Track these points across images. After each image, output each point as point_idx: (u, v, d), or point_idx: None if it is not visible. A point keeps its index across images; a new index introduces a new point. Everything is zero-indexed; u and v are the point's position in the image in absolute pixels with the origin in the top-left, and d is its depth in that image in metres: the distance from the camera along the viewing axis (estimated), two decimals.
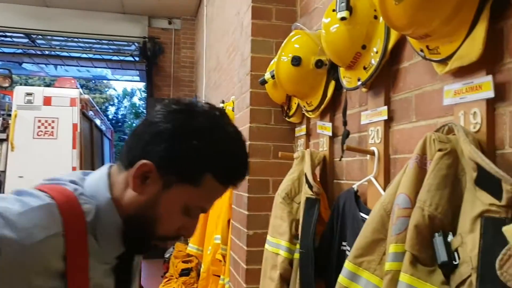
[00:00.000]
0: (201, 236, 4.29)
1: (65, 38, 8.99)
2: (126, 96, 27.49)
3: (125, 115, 27.22)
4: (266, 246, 2.11)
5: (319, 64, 1.98)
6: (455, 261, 0.99)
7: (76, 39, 9.04)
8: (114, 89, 27.78)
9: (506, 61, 1.09)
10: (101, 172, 1.00)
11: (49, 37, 9.04)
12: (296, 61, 2.01)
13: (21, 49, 8.98)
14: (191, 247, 4.32)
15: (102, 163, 7.59)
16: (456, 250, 1.00)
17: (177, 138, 0.92)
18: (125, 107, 27.95)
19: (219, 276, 3.57)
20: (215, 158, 0.94)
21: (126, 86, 28.09)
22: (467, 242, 0.98)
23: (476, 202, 1.00)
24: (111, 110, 27.49)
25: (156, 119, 0.95)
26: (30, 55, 9.09)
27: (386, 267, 1.12)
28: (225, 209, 3.49)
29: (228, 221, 3.39)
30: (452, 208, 1.06)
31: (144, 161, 0.92)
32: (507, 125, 1.09)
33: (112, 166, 1.02)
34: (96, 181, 0.98)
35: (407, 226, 1.08)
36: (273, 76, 2.28)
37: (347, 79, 1.72)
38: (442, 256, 1.00)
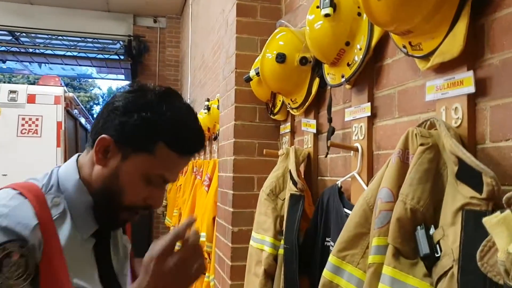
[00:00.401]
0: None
1: (50, 36, 8.90)
2: (111, 95, 27.35)
3: None
4: (251, 242, 2.12)
5: (303, 61, 1.98)
6: (437, 254, 1.00)
7: (60, 37, 8.95)
8: (99, 88, 27.58)
9: (487, 57, 1.10)
10: (70, 160, 1.12)
11: (33, 34, 8.94)
12: (281, 58, 2.02)
13: (5, 46, 8.86)
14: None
15: None
16: (438, 242, 1.01)
17: (129, 112, 1.03)
18: None
19: (204, 274, 3.57)
20: (164, 127, 1.03)
21: (112, 85, 27.89)
22: (449, 234, 0.99)
23: (457, 195, 1.01)
24: (96, 109, 27.27)
25: (113, 99, 1.08)
26: (14, 53, 8.97)
27: (369, 260, 1.12)
28: (210, 206, 3.49)
29: (213, 219, 3.39)
30: (433, 201, 1.07)
31: (102, 135, 1.03)
32: (488, 120, 1.10)
33: (80, 154, 1.13)
34: (66, 168, 1.09)
35: (390, 220, 1.09)
36: (258, 73, 2.28)
37: (331, 75, 1.73)
38: (424, 248, 1.01)
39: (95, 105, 27.15)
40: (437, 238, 1.02)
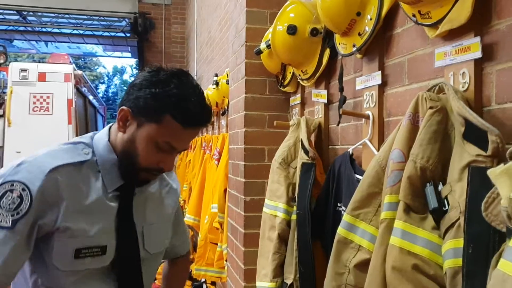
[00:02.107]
0: (198, 207, 4.39)
1: (56, 15, 8.91)
2: (117, 74, 27.28)
3: (116, 93, 27.08)
4: (264, 209, 2.20)
5: (314, 32, 2.03)
6: (445, 207, 1.07)
7: (67, 15, 8.96)
8: (103, 66, 27.57)
9: (494, 23, 1.16)
10: (106, 127, 1.37)
11: (39, 13, 8.96)
12: (292, 29, 2.07)
13: (12, 26, 8.89)
14: (188, 217, 4.42)
15: None
16: (446, 197, 1.08)
17: (143, 88, 1.24)
18: (115, 85, 27.78)
19: (216, 244, 3.68)
20: (170, 102, 1.21)
21: (116, 64, 27.88)
22: (456, 190, 1.06)
23: (464, 154, 1.08)
24: (101, 88, 27.30)
25: (135, 78, 1.31)
26: (22, 32, 9.01)
27: (382, 216, 1.20)
28: (221, 179, 3.58)
29: (224, 191, 3.48)
30: (442, 160, 1.14)
31: (122, 107, 1.26)
32: (494, 83, 1.16)
33: (111, 124, 1.37)
34: (101, 132, 1.37)
35: (401, 178, 1.17)
36: (268, 46, 2.34)
37: (343, 45, 1.79)
38: (433, 203, 1.09)
39: (100, 84, 27.18)
40: (445, 193, 1.09)
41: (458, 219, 1.02)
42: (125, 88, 25.86)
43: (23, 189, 1.14)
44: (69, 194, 1.21)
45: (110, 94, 26.49)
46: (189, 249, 1.82)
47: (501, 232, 0.90)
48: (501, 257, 0.78)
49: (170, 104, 1.21)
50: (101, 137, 1.34)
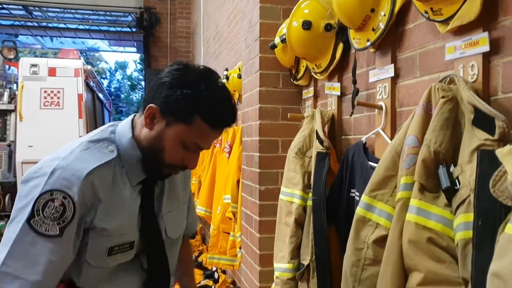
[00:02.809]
0: (209, 199, 4.51)
1: (62, 10, 9.01)
2: (120, 69, 27.33)
3: (118, 88, 27.14)
4: (281, 196, 2.32)
5: (328, 27, 2.15)
6: (456, 186, 1.19)
7: (73, 11, 9.06)
8: (106, 62, 27.59)
9: (500, 19, 1.28)
10: (127, 119, 1.37)
11: (45, 8, 9.06)
12: (307, 25, 2.18)
13: (19, 21, 9.00)
14: (200, 209, 4.54)
15: None
16: (457, 177, 1.20)
17: (173, 88, 1.23)
18: (118, 80, 27.84)
19: (228, 233, 3.81)
20: (201, 103, 1.23)
21: (118, 59, 27.91)
22: (466, 170, 1.18)
23: (473, 138, 1.20)
24: (104, 83, 27.34)
25: (162, 75, 1.29)
26: (29, 27, 9.12)
27: (398, 196, 1.32)
28: (233, 170, 3.70)
29: (237, 182, 3.61)
30: (453, 145, 1.26)
31: (151, 105, 1.25)
32: (500, 75, 1.28)
33: (136, 114, 1.37)
34: (123, 126, 1.35)
35: (416, 161, 1.29)
36: (283, 41, 2.45)
37: (357, 40, 1.90)
38: (446, 182, 1.21)
39: (102, 79, 27.21)
40: (456, 174, 1.21)
41: (468, 196, 1.14)
42: (128, 83, 25.91)
43: (64, 197, 1.15)
44: (103, 195, 1.23)
45: (112, 90, 26.55)
46: (197, 229, 1.88)
47: (507, 206, 1.02)
48: (508, 223, 0.90)
49: (200, 105, 1.23)
50: (124, 132, 1.33)
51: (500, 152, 0.98)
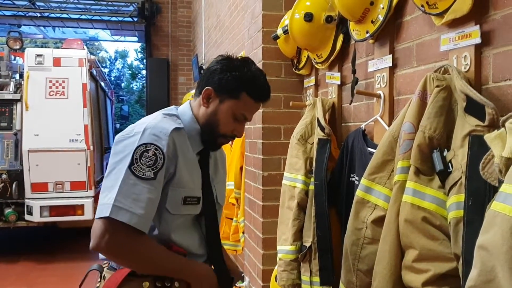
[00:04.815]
0: None
1: (64, 0, 9.05)
2: (121, 58, 27.29)
3: (119, 77, 27.15)
4: (284, 181, 2.42)
5: (329, 19, 2.23)
6: (449, 169, 1.29)
7: (75, 1, 9.10)
8: (105, 51, 27.57)
9: (491, 13, 1.36)
10: (186, 103, 1.68)
11: None
12: (308, 17, 2.26)
13: (21, 11, 9.04)
14: None
15: (107, 123, 7.84)
16: (450, 161, 1.30)
17: (224, 72, 1.56)
18: (118, 69, 27.84)
19: (231, 219, 3.92)
20: (247, 82, 1.55)
21: (118, 48, 27.87)
22: (458, 154, 1.27)
23: (465, 125, 1.29)
24: (104, 71, 27.26)
25: (211, 65, 1.63)
26: (31, 18, 9.15)
27: (395, 178, 1.42)
28: (236, 157, 3.80)
29: (240, 168, 3.70)
30: (446, 130, 1.35)
31: (207, 87, 1.58)
32: (491, 65, 1.37)
33: (190, 101, 1.68)
34: (183, 108, 1.66)
35: (412, 146, 1.38)
36: (285, 32, 2.53)
37: (357, 31, 1.98)
38: (439, 166, 1.31)
39: (103, 68, 27.11)
40: (449, 158, 1.31)
41: (460, 178, 1.24)
42: (129, 71, 25.91)
43: (156, 149, 1.42)
44: (180, 151, 1.49)
45: (113, 78, 26.56)
46: None
47: (494, 187, 1.12)
48: (493, 201, 1.00)
49: (246, 84, 1.54)
50: (184, 111, 1.63)
51: (489, 137, 1.07)
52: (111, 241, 1.35)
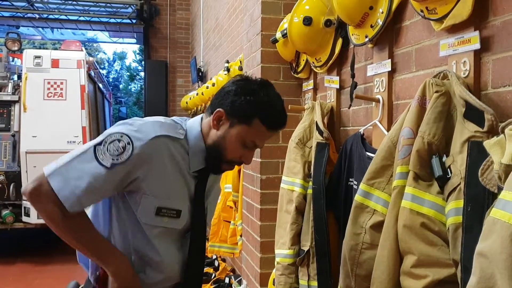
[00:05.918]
0: None
1: (63, 1, 9.04)
2: (119, 60, 27.28)
3: (117, 79, 27.13)
4: (282, 185, 2.42)
5: (328, 23, 2.23)
6: (448, 175, 1.29)
7: (74, 2, 9.09)
8: (104, 52, 27.57)
9: (490, 19, 1.36)
10: (197, 117, 1.59)
11: (46, 0, 9.09)
12: (308, 21, 2.26)
13: (20, 12, 9.03)
14: None
15: (104, 124, 7.83)
16: (449, 167, 1.30)
17: (238, 95, 1.46)
18: (116, 70, 27.82)
19: (229, 222, 3.91)
20: (261, 108, 1.45)
21: (116, 49, 27.87)
22: (457, 160, 1.27)
23: (464, 130, 1.29)
24: (103, 73, 27.24)
25: (227, 85, 1.53)
26: (30, 19, 9.15)
27: (394, 184, 1.42)
28: None
29: (238, 171, 3.70)
30: (445, 136, 1.35)
31: (219, 109, 1.48)
32: (490, 71, 1.37)
33: (203, 116, 1.58)
34: (193, 121, 1.57)
35: (411, 152, 1.38)
36: (284, 35, 2.53)
37: (356, 36, 1.98)
38: (438, 171, 1.30)
39: (100, 69, 27.08)
40: (448, 163, 1.30)
41: (459, 184, 1.24)
42: (127, 73, 25.89)
43: (128, 143, 1.37)
44: (158, 159, 1.43)
45: (111, 80, 26.52)
46: None
47: (493, 193, 1.11)
48: (493, 208, 0.99)
49: (260, 110, 1.45)
50: (194, 125, 1.55)
51: (488, 144, 1.07)
52: (34, 193, 1.35)
